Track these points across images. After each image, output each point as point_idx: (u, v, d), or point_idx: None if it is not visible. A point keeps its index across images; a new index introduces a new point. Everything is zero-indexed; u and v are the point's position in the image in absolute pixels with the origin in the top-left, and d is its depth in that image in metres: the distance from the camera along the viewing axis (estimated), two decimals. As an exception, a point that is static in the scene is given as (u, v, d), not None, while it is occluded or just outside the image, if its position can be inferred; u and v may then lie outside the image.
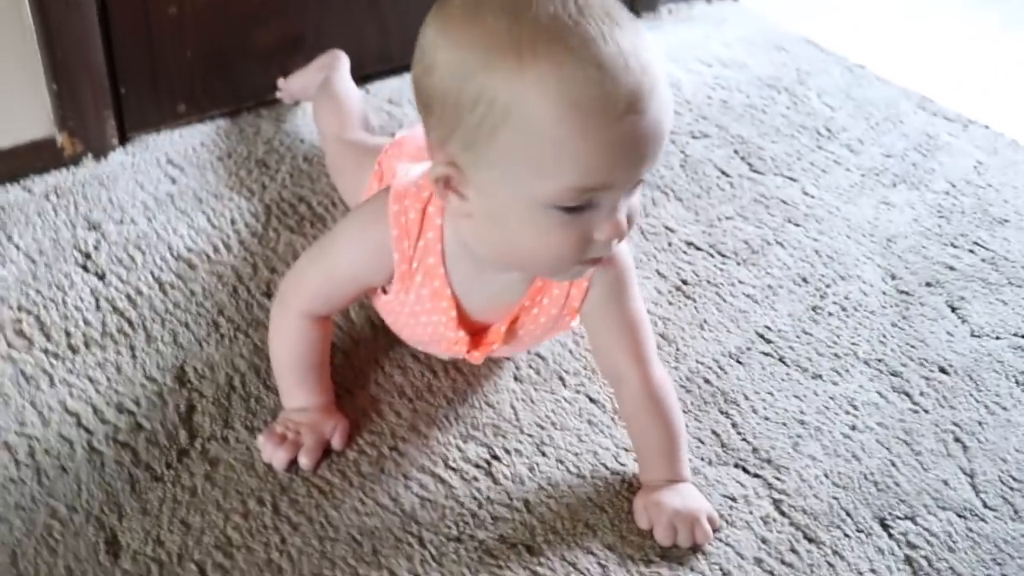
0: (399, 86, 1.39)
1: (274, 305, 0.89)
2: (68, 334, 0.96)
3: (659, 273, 1.12)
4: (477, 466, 0.87)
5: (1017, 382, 1.05)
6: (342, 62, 1.25)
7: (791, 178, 1.32)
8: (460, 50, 0.68)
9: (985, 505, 0.91)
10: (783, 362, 1.03)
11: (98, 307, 0.99)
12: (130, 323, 0.98)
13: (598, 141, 0.66)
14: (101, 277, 1.03)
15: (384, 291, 0.87)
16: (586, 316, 0.87)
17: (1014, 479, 0.94)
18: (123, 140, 1.22)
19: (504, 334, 0.86)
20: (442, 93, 0.69)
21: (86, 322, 0.98)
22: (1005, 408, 1.02)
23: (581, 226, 0.71)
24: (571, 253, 0.73)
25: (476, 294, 0.83)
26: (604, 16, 0.67)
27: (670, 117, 0.70)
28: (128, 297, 1.01)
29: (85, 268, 1.04)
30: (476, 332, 0.86)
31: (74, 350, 0.95)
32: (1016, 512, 0.91)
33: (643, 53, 0.67)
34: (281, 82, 1.30)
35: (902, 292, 1.15)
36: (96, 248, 1.06)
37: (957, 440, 0.97)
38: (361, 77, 1.35)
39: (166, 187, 1.16)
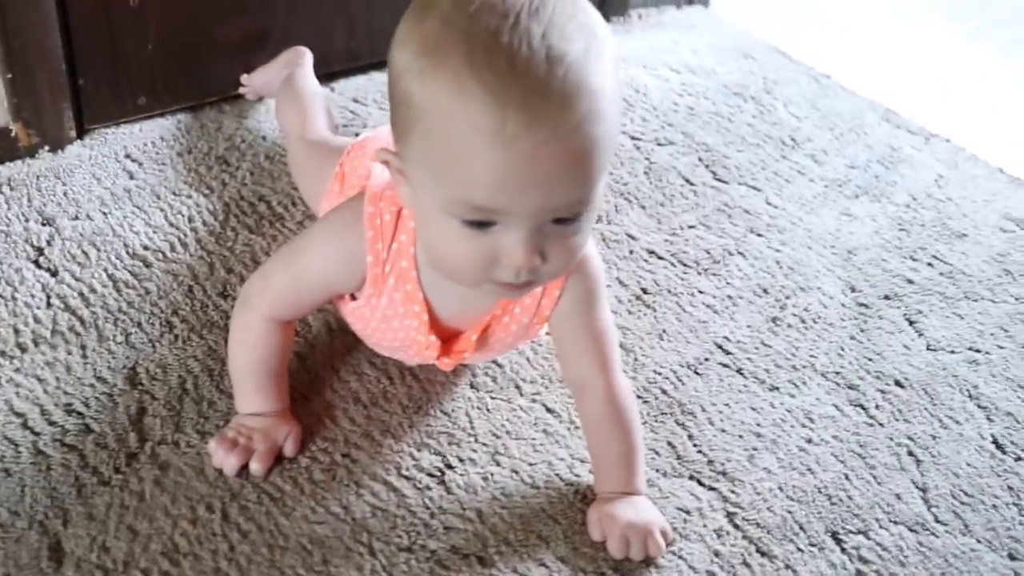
0: (365, 84, 1.38)
1: (237, 307, 0.87)
2: (17, 331, 0.94)
3: (619, 281, 1.12)
4: (430, 475, 0.87)
5: (971, 396, 1.06)
6: (306, 59, 1.23)
7: (755, 188, 1.32)
8: (399, 47, 0.69)
9: (936, 519, 0.92)
10: (741, 373, 1.03)
11: (49, 304, 0.97)
12: (82, 321, 0.96)
13: (486, 164, 0.65)
14: (53, 273, 1.01)
15: (353, 297, 0.86)
16: (554, 323, 0.86)
17: (965, 493, 0.95)
18: (81, 133, 1.20)
19: (475, 342, 0.85)
20: (390, 86, 0.71)
21: (36, 319, 0.96)
22: (958, 422, 1.03)
23: (485, 244, 0.70)
24: (475, 269, 0.71)
25: (448, 299, 0.82)
26: (548, 30, 0.64)
27: (597, 149, 0.66)
28: (81, 295, 0.99)
29: (37, 264, 1.02)
30: (447, 339, 0.86)
31: (23, 348, 0.93)
32: (966, 526, 0.92)
33: (576, 77, 0.64)
34: (244, 78, 1.28)
35: (861, 304, 1.16)
36: (49, 243, 1.04)
37: (911, 454, 0.98)
38: (327, 75, 1.33)
39: (124, 182, 1.14)
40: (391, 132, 0.73)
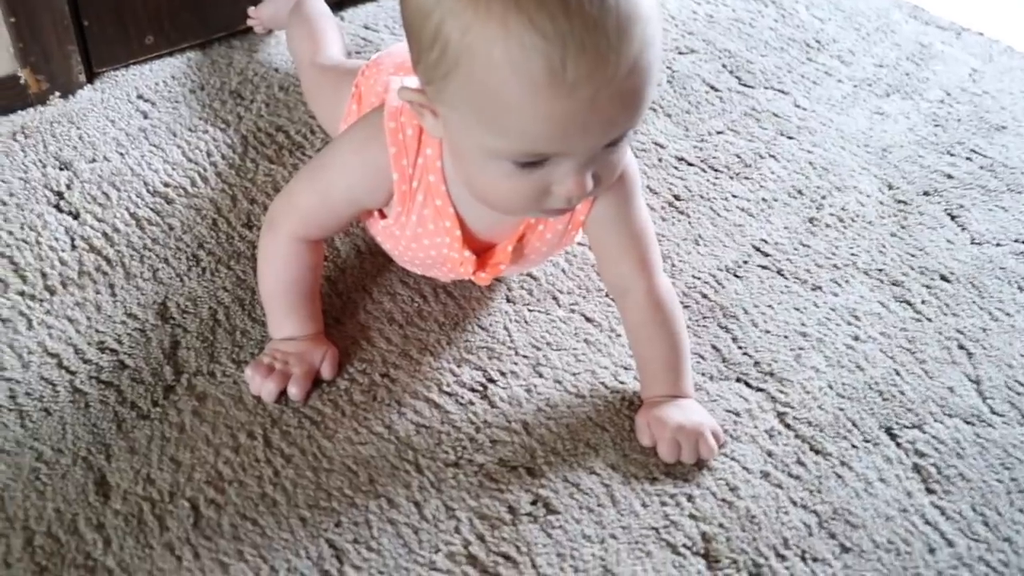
0: (375, 11, 1.34)
1: (264, 230, 0.85)
2: (44, 275, 0.93)
3: (650, 189, 1.09)
4: (472, 390, 0.85)
5: (1020, 288, 1.03)
6: (314, -15, 1.20)
7: (782, 91, 1.28)
8: None
9: (992, 411, 0.89)
10: (781, 275, 1.01)
11: (73, 246, 0.96)
12: (108, 261, 0.94)
13: (545, 114, 0.61)
14: (75, 216, 0.99)
15: (383, 215, 0.83)
16: (591, 228, 0.83)
17: (1020, 384, 0.92)
18: (91, 76, 1.17)
19: (511, 253, 0.83)
20: (409, 23, 0.65)
21: (62, 262, 0.94)
22: (1009, 314, 1.00)
23: (537, 180, 0.67)
24: (525, 203, 0.69)
25: (480, 212, 0.79)
26: None
27: (650, 78, 0.63)
28: (104, 235, 0.97)
29: (58, 208, 1.00)
30: (481, 252, 0.83)
31: (51, 291, 0.91)
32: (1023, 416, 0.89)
33: (627, 8, 0.60)
34: (252, 10, 1.25)
35: (900, 202, 1.13)
36: (68, 187, 1.02)
37: (961, 347, 0.95)
38: (335, 3, 1.30)
39: (138, 122, 1.12)
40: (414, 69, 0.68)
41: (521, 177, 0.67)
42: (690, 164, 1.14)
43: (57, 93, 1.13)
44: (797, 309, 0.97)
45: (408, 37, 0.67)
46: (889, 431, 0.86)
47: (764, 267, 1.01)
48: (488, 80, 0.61)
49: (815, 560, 0.76)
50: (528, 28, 0.58)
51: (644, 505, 0.77)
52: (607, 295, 0.95)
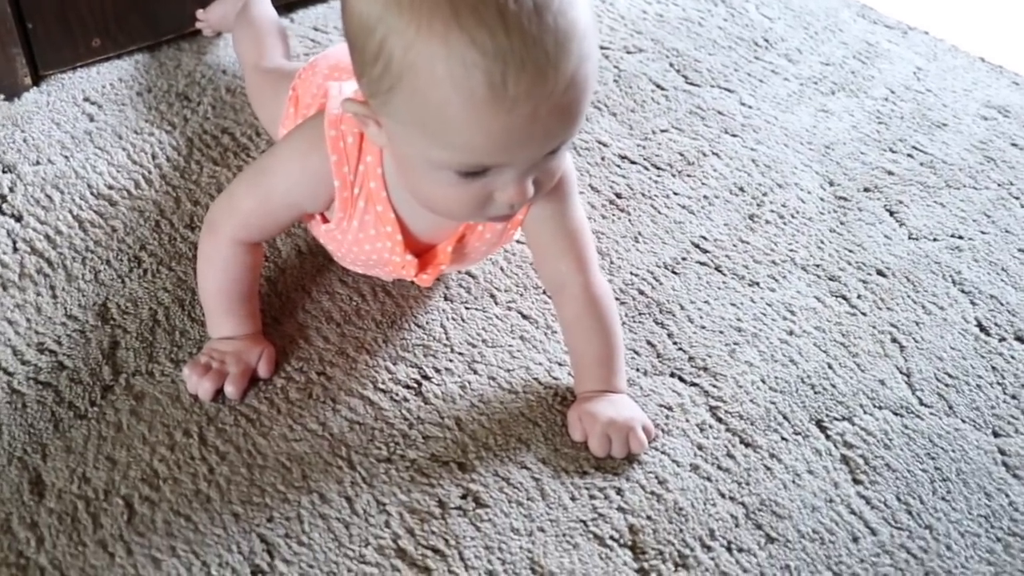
0: (324, 13, 1.35)
1: (204, 231, 0.86)
2: (-15, 277, 0.93)
3: (592, 188, 1.11)
4: (407, 387, 0.86)
5: (953, 282, 1.05)
6: (261, -12, 1.21)
7: (728, 89, 1.30)
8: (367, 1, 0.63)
9: (921, 402, 0.91)
10: (719, 271, 1.02)
11: (15, 249, 0.96)
12: (49, 263, 0.95)
13: (487, 129, 0.62)
14: (18, 219, 1.00)
15: (324, 219, 0.84)
16: (529, 226, 0.85)
17: (949, 376, 0.94)
18: (37, 79, 1.17)
19: (451, 254, 0.84)
20: (352, 39, 0.66)
21: (3, 264, 0.94)
22: (941, 308, 1.02)
23: (480, 188, 0.68)
24: (468, 210, 0.71)
25: (421, 215, 0.80)
26: None
27: (587, 90, 0.65)
28: (47, 237, 0.98)
29: (0, 210, 1.00)
30: (422, 253, 0.85)
31: (-9, 293, 0.92)
32: (951, 407, 0.91)
33: (565, 23, 0.61)
34: (200, 13, 1.25)
35: (840, 198, 1.15)
36: (11, 190, 1.03)
37: (894, 341, 0.97)
38: (285, 5, 1.31)
39: (84, 125, 1.12)
40: (357, 81, 0.69)
41: (464, 186, 0.68)
42: (633, 162, 1.15)
43: (1, 96, 1.14)
44: (734, 305, 0.99)
45: (351, 50, 0.67)
46: (819, 423, 0.88)
47: (702, 263, 1.03)
48: (431, 96, 0.62)
49: (740, 551, 0.77)
50: (469, 46, 0.59)
51: (573, 498, 0.79)
52: (544, 292, 0.97)
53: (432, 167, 0.67)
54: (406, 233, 0.82)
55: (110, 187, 1.04)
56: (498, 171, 0.67)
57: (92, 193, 1.03)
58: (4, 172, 1.05)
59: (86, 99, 1.16)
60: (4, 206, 1.01)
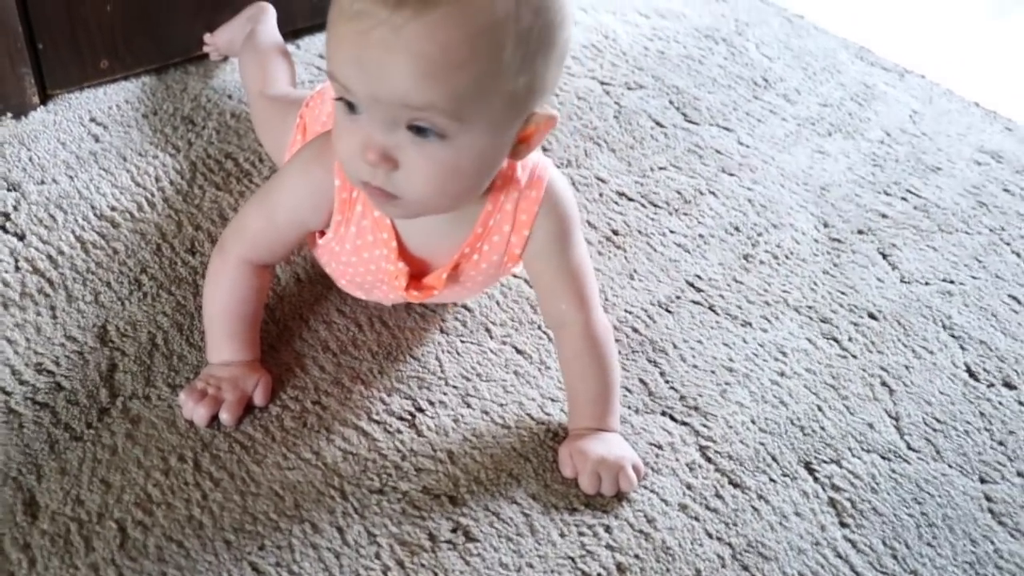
0: (331, 40, 1.36)
1: (214, 253, 0.88)
2: (-14, 295, 0.94)
3: (589, 224, 1.12)
4: (401, 419, 0.87)
5: (944, 326, 1.06)
6: (268, 15, 1.22)
7: (726, 128, 1.32)
8: None
9: (909, 447, 0.92)
10: (713, 310, 1.04)
11: (17, 268, 0.97)
12: (50, 283, 0.96)
13: (334, 36, 0.68)
14: (21, 238, 1.01)
15: (322, 233, 0.86)
16: (529, 263, 0.86)
17: (937, 420, 0.95)
18: (44, 98, 1.19)
19: (445, 280, 0.85)
20: None
21: (4, 283, 0.95)
22: (931, 352, 1.03)
23: (356, 132, 0.71)
24: (348, 157, 0.72)
25: (414, 227, 0.82)
26: None
27: (443, 54, 0.65)
28: (49, 257, 0.99)
29: (3, 228, 1.01)
30: (417, 275, 0.86)
31: (-8, 312, 0.93)
32: (938, 452, 0.92)
33: None
34: (207, 37, 1.27)
35: (834, 240, 1.16)
36: (15, 208, 1.04)
37: (884, 384, 0.98)
38: (291, 32, 1.32)
39: (89, 145, 1.13)
40: None
41: (347, 125, 0.71)
42: (630, 199, 1.17)
43: (9, 114, 1.15)
44: (726, 344, 1.00)
45: None
46: (808, 465, 0.89)
47: (696, 303, 1.04)
48: (329, 18, 0.69)
49: (726, 591, 0.78)
50: None
51: (562, 535, 0.80)
52: (540, 327, 0.98)
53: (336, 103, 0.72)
54: (401, 246, 0.84)
55: (113, 208, 1.05)
56: (366, 116, 0.69)
57: (95, 214, 1.04)
58: (9, 190, 1.06)
59: (92, 119, 1.17)
60: (7, 224, 1.02)
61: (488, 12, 0.65)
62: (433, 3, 0.64)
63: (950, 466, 0.91)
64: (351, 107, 0.70)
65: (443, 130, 0.69)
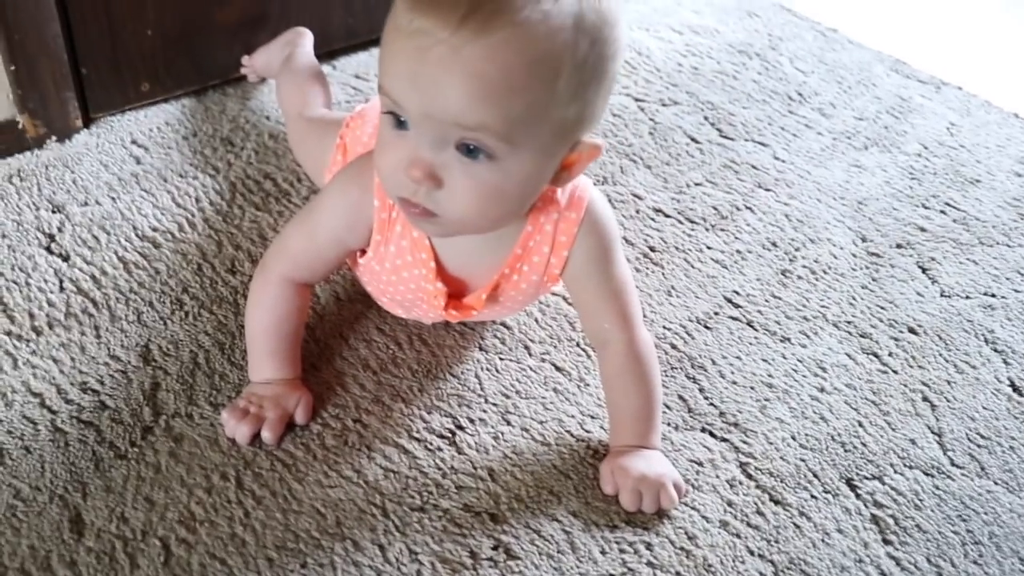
0: (366, 60, 1.38)
1: (256, 273, 0.89)
2: (32, 316, 0.96)
3: (626, 240, 1.12)
4: (441, 436, 0.87)
5: (986, 340, 1.05)
6: (305, 38, 1.24)
7: (762, 143, 1.32)
8: None
9: (952, 463, 0.91)
10: (751, 326, 1.03)
11: (62, 288, 0.99)
12: (94, 303, 0.97)
13: (389, 51, 0.69)
14: (65, 258, 1.02)
15: (363, 253, 0.86)
16: (570, 282, 0.86)
17: (981, 436, 0.94)
18: (87, 121, 1.21)
19: (485, 301, 0.85)
20: None
21: (50, 303, 0.97)
22: (974, 367, 1.02)
23: (401, 148, 0.71)
24: (391, 173, 0.73)
25: (453, 248, 0.83)
26: None
27: (501, 76, 0.65)
28: (92, 277, 1.00)
29: (49, 250, 1.03)
30: (455, 294, 0.86)
31: (38, 332, 0.94)
32: (983, 468, 0.91)
33: (497, 3, 0.64)
34: (245, 59, 1.29)
35: (872, 254, 1.15)
36: (60, 230, 1.06)
37: (925, 399, 0.97)
38: (327, 53, 1.34)
39: (131, 167, 1.15)
40: None
41: (393, 141, 0.71)
42: (667, 216, 1.17)
43: (54, 137, 1.17)
44: (765, 360, 0.99)
45: None
46: (849, 482, 0.88)
47: (735, 318, 1.04)
48: (383, 36, 0.70)
49: (769, 610, 0.77)
50: None
51: (603, 552, 0.79)
52: (579, 344, 0.98)
53: (383, 116, 0.72)
54: (439, 265, 0.84)
55: (155, 229, 1.07)
56: (413, 134, 0.70)
57: (137, 235, 1.06)
58: (54, 212, 1.08)
59: (133, 142, 1.19)
60: (52, 246, 1.04)
61: (547, 40, 0.66)
62: (494, 27, 0.64)
63: (995, 483, 0.90)
64: (399, 123, 0.71)
65: (492, 151, 0.69)
